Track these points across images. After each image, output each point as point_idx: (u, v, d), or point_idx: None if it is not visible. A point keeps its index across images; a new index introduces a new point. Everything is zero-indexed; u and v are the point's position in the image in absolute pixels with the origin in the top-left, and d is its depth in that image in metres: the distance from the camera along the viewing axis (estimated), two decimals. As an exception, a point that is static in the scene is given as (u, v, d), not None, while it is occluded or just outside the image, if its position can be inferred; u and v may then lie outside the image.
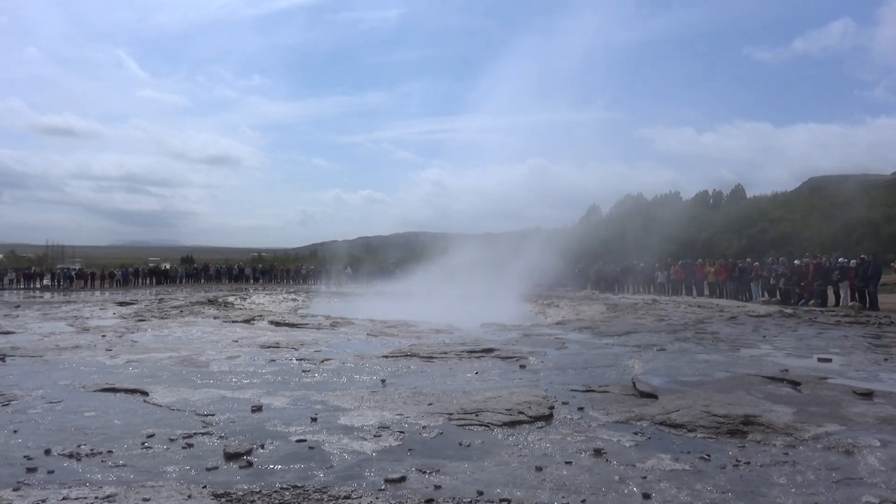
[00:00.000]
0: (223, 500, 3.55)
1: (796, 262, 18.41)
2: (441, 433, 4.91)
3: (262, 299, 23.54)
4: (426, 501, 3.52)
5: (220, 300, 21.45)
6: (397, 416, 5.37)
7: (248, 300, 22.79)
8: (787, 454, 4.35)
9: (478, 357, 8.72)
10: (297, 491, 3.67)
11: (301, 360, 8.51)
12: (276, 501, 3.52)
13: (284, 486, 3.75)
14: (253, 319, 14.55)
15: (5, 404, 5.85)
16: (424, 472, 3.98)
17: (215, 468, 4.06)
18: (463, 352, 9.08)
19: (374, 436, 4.80)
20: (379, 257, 35.52)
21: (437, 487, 3.73)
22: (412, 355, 8.81)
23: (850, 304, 16.07)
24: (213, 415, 5.44)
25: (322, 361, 8.33)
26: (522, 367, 7.95)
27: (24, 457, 4.27)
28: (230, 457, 4.26)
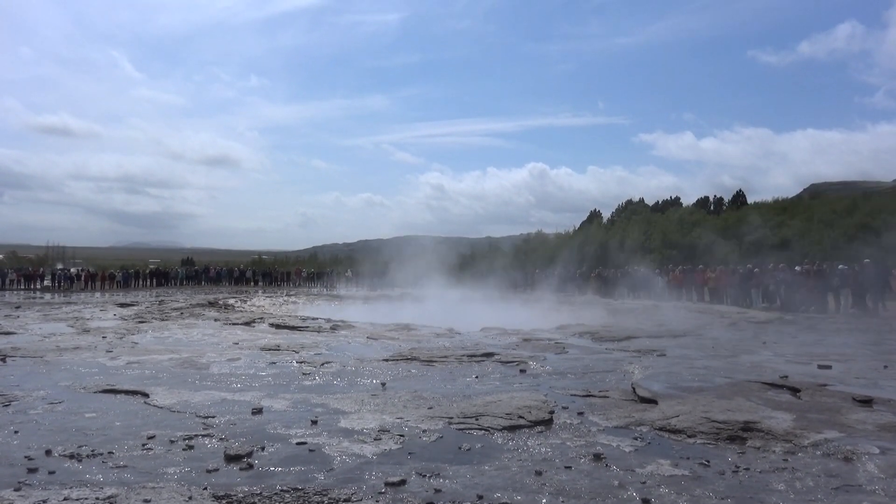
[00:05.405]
0: (224, 501, 3.56)
1: (797, 268, 18.42)
2: (441, 437, 4.92)
3: (263, 302, 23.55)
4: (426, 505, 3.52)
5: (220, 302, 21.46)
6: (397, 420, 5.38)
7: (248, 302, 22.80)
8: (786, 461, 4.36)
9: (478, 361, 8.73)
10: (298, 493, 3.68)
11: (301, 362, 8.51)
12: (277, 503, 3.53)
13: (285, 488, 3.76)
14: (253, 322, 14.56)
15: (6, 405, 5.87)
16: (424, 476, 3.99)
17: (216, 470, 4.08)
18: (463, 356, 9.09)
19: (375, 439, 4.81)
20: (380, 260, 35.55)
21: (438, 491, 3.74)
22: (412, 359, 8.82)
23: (851, 310, 16.07)
24: (213, 417, 5.45)
25: (322, 364, 8.34)
26: (522, 371, 7.96)
27: (25, 457, 4.29)
28: (231, 459, 4.28)
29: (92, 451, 4.44)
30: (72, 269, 37.85)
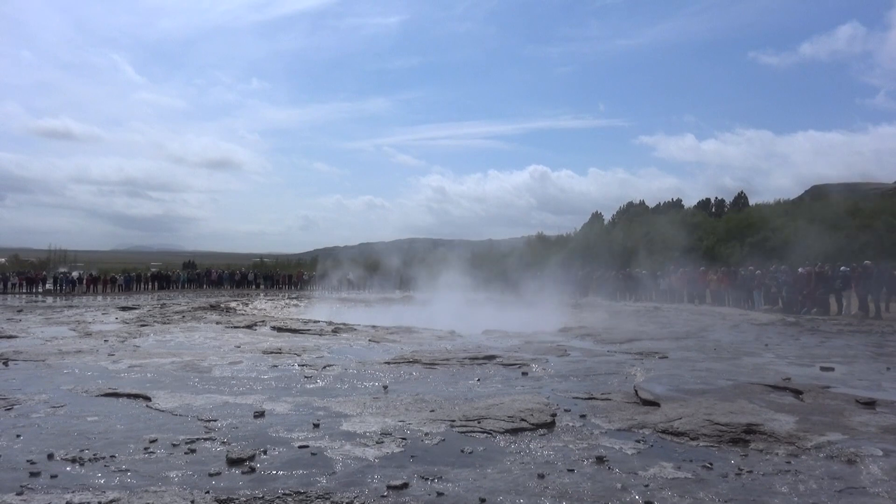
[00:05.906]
0: (226, 505, 3.55)
1: (799, 270, 18.39)
2: (443, 440, 4.91)
3: (264, 305, 23.55)
4: (428, 508, 3.52)
5: (222, 305, 21.46)
6: (399, 423, 5.37)
7: (250, 306, 22.80)
8: (789, 463, 4.35)
9: (480, 364, 8.72)
10: (300, 497, 3.67)
11: (303, 365, 8.51)
12: (279, 507, 3.52)
13: (287, 491, 3.75)
14: (255, 325, 14.56)
15: (8, 408, 5.87)
16: (427, 479, 3.98)
17: (218, 474, 4.07)
18: (465, 358, 9.08)
19: (377, 442, 4.80)
20: (381, 263, 35.56)
21: (440, 494, 3.73)
22: (414, 362, 8.81)
23: (853, 312, 16.03)
24: (215, 420, 5.45)
25: (324, 367, 8.33)
26: (524, 374, 7.95)
27: (28, 461, 4.29)
28: (233, 462, 4.27)
29: (94, 454, 4.44)
30: (74, 273, 37.86)
